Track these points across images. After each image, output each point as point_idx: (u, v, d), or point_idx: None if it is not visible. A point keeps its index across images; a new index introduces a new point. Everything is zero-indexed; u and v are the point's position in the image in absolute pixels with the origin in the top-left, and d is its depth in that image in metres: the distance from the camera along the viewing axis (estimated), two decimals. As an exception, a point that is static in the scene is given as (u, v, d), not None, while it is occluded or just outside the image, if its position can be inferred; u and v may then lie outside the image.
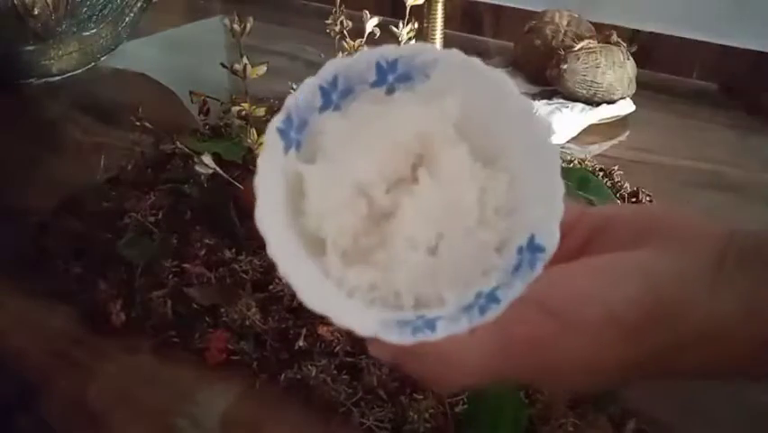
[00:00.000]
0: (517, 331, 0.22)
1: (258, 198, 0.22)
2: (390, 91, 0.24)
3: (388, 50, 0.24)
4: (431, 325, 0.21)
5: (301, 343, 0.44)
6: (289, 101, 0.23)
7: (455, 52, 0.24)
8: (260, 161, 0.22)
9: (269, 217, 0.22)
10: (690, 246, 0.23)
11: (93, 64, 0.95)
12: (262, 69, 0.50)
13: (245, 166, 0.61)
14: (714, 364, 0.22)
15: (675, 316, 0.22)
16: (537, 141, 0.23)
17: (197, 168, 0.52)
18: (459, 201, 0.23)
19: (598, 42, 0.80)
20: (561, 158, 0.22)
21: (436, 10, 0.77)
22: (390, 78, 0.24)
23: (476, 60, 0.24)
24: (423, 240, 0.23)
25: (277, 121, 0.23)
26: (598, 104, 0.78)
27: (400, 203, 0.23)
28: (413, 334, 0.20)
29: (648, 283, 0.22)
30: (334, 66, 0.23)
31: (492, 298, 0.21)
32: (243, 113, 0.51)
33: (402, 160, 0.24)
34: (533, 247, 0.21)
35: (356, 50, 0.63)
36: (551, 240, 0.21)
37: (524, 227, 0.22)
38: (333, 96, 0.24)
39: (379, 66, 0.24)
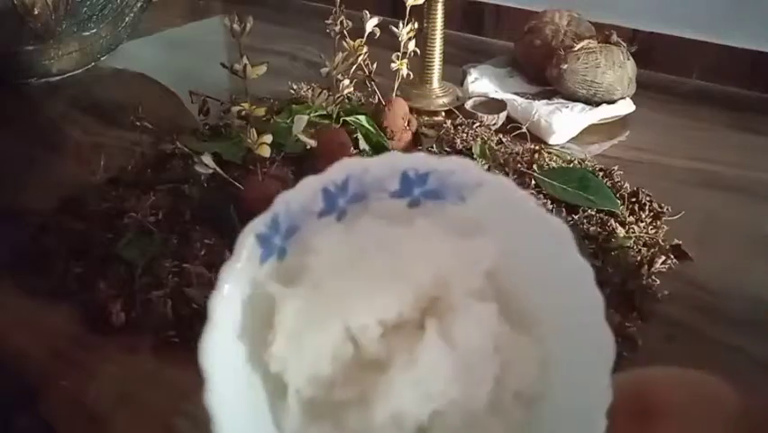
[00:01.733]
0: None
1: (211, 320, 0.17)
2: (413, 204, 0.19)
3: (419, 160, 0.18)
4: None
5: (301, 343, 0.44)
6: (279, 201, 0.18)
7: (504, 180, 0.18)
8: (224, 272, 0.17)
9: (222, 349, 0.17)
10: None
11: (93, 64, 0.95)
12: (262, 69, 0.50)
13: (245, 166, 0.61)
14: None
15: None
16: (590, 316, 0.17)
17: (197, 168, 0.52)
18: (470, 375, 0.17)
19: (598, 42, 0.80)
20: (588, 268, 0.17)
21: (436, 10, 0.77)
22: (417, 191, 0.19)
23: (528, 197, 0.18)
24: (413, 419, 0.17)
25: (259, 222, 0.18)
26: (598, 104, 0.78)
27: (394, 361, 0.17)
28: None
29: None
30: (346, 168, 0.18)
31: None
32: (243, 113, 0.51)
33: (410, 303, 0.18)
34: None
35: (356, 50, 0.63)
36: None
37: (548, 423, 0.17)
38: (340, 202, 0.19)
39: (405, 176, 0.18)
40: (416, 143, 0.71)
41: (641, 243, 0.56)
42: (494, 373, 0.17)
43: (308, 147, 0.56)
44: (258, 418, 0.18)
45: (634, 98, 0.80)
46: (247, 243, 0.18)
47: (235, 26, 0.48)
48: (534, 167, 0.66)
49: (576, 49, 0.79)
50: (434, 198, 0.19)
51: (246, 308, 0.18)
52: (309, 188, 0.18)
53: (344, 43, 0.63)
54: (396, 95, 0.70)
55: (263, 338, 0.18)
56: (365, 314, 0.18)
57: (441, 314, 0.18)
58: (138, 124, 0.59)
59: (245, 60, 0.49)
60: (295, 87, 0.81)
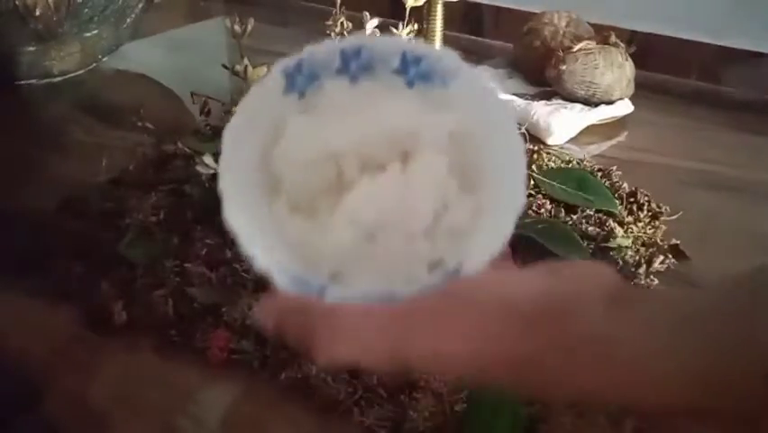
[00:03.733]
0: (412, 306, 0.21)
1: (236, 118, 0.22)
2: (410, 86, 0.24)
3: (416, 46, 0.24)
4: (331, 294, 0.21)
5: (302, 342, 0.44)
6: (306, 50, 0.23)
7: (479, 73, 0.24)
8: (253, 91, 0.23)
9: (239, 141, 0.22)
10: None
11: (94, 65, 0.95)
12: (263, 70, 0.51)
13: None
14: (597, 381, 0.22)
15: (569, 314, 0.22)
16: (514, 188, 0.22)
17: (199, 168, 0.53)
18: (415, 205, 0.23)
19: (597, 43, 0.80)
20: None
21: (436, 11, 0.78)
22: (412, 71, 0.24)
23: (493, 88, 0.24)
24: (364, 222, 0.23)
25: (285, 62, 0.23)
26: (596, 104, 0.79)
27: (361, 183, 0.23)
28: (315, 293, 0.21)
29: (550, 282, 0.23)
30: (361, 40, 0.23)
31: (399, 298, 0.21)
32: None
33: (386, 149, 0.24)
34: (455, 274, 0.21)
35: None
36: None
37: (461, 255, 0.22)
38: (353, 66, 0.24)
39: (404, 56, 0.23)
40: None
41: (639, 242, 0.56)
42: (434, 210, 0.23)
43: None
44: (257, 199, 0.23)
45: (632, 99, 0.81)
46: (275, 72, 0.23)
47: (236, 27, 0.49)
48: (534, 167, 0.66)
49: (575, 50, 0.79)
50: (424, 81, 0.24)
51: (265, 121, 0.23)
52: (331, 46, 0.23)
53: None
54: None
55: (273, 144, 0.23)
56: (349, 144, 0.23)
57: (406, 160, 0.24)
58: (139, 124, 0.59)
59: (246, 61, 0.50)
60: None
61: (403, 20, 0.67)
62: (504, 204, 0.22)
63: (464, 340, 0.22)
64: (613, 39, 0.81)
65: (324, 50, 0.23)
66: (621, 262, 0.53)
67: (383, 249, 0.23)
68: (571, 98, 0.79)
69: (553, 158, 0.69)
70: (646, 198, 0.62)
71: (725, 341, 0.21)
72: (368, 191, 0.23)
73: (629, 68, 0.80)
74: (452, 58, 0.23)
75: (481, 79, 0.24)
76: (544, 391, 0.25)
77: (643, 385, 0.22)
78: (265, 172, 0.24)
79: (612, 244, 0.55)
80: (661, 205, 0.61)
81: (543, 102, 0.79)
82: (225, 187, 0.22)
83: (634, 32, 0.93)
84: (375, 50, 0.23)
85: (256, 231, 0.22)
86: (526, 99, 0.80)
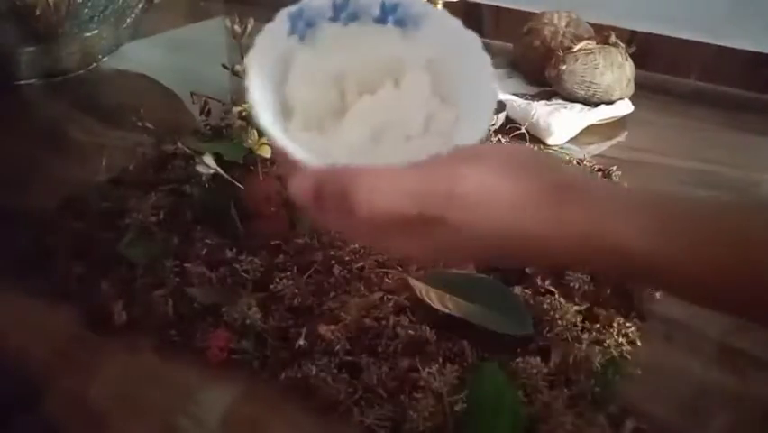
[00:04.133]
0: (431, 161, 0.26)
1: (253, 54, 0.27)
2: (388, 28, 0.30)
3: None
4: None
5: (301, 342, 0.44)
6: (305, 0, 0.28)
7: (444, 13, 0.29)
8: (263, 32, 0.27)
9: (258, 74, 0.27)
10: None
11: (94, 65, 0.95)
12: (263, 70, 0.51)
13: (246, 166, 0.62)
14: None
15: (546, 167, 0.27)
16: (486, 97, 0.28)
17: (199, 168, 0.53)
18: (408, 113, 0.28)
19: (597, 43, 0.80)
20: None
21: (436, 11, 0.78)
22: (390, 19, 0.30)
23: (458, 23, 0.29)
24: (370, 125, 0.28)
25: (290, 8, 0.28)
26: (596, 104, 0.79)
27: (363, 99, 0.28)
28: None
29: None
30: None
31: None
32: (244, 113, 0.51)
33: (378, 75, 0.29)
34: None
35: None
36: None
37: (447, 149, 0.27)
38: (342, 15, 0.29)
39: (383, 5, 0.29)
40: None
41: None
42: (424, 117, 0.28)
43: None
44: (277, 119, 0.27)
45: (632, 99, 0.80)
46: (280, 15, 0.28)
47: (236, 27, 0.49)
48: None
49: (575, 50, 0.79)
50: (400, 26, 0.30)
51: (275, 58, 0.28)
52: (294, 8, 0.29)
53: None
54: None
55: (283, 74, 0.28)
56: (348, 69, 0.28)
57: (395, 83, 0.29)
58: (139, 124, 0.59)
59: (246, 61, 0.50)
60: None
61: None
62: (479, 111, 0.28)
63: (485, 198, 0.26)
64: (613, 39, 0.81)
65: (319, 1, 0.29)
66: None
67: (387, 147, 0.27)
68: (571, 98, 0.79)
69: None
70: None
71: None
72: (371, 101, 0.28)
73: (629, 68, 0.80)
74: (421, 4, 0.30)
75: (447, 18, 0.29)
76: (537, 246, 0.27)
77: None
78: (279, 97, 0.28)
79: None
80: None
81: (542, 102, 0.79)
82: (255, 100, 0.26)
83: (634, 32, 0.93)
84: (360, 1, 0.29)
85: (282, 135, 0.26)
86: (526, 99, 0.80)
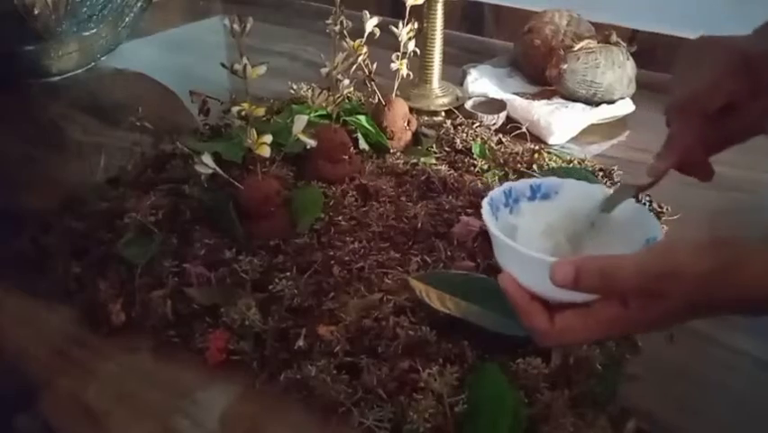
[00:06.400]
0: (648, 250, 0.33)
1: (488, 222, 0.38)
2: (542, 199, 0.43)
3: (537, 179, 0.43)
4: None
5: (301, 343, 0.44)
6: (507, 185, 0.42)
7: (574, 181, 0.44)
8: (487, 209, 0.40)
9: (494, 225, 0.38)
10: None
11: (93, 64, 0.95)
12: (262, 69, 0.50)
13: (245, 166, 0.62)
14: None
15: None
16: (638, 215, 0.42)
17: (197, 168, 0.52)
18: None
19: (598, 42, 0.80)
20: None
21: (436, 10, 0.77)
22: (537, 195, 0.43)
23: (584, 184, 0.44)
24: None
25: (501, 188, 0.42)
26: (597, 104, 0.78)
27: (583, 244, 0.40)
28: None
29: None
30: (508, 185, 0.42)
31: None
32: (243, 113, 0.51)
33: (577, 227, 0.41)
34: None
35: (356, 50, 0.63)
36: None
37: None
38: (537, 195, 0.43)
39: (531, 187, 0.43)
40: (415, 143, 0.71)
41: (640, 242, 0.56)
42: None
43: (308, 147, 0.56)
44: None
45: (633, 98, 0.80)
46: (496, 194, 0.42)
47: (235, 26, 0.48)
48: (534, 167, 0.66)
49: (576, 49, 0.79)
50: (544, 199, 0.43)
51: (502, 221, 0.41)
52: (522, 183, 0.43)
53: (344, 43, 0.63)
54: (396, 95, 0.70)
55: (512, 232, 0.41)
56: (554, 223, 0.41)
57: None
58: (138, 124, 0.59)
59: (245, 61, 0.49)
60: (295, 87, 0.81)
61: (403, 18, 0.67)
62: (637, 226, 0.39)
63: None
64: (614, 38, 0.81)
65: (519, 185, 0.43)
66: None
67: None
68: (572, 98, 0.79)
69: (554, 157, 0.69)
70: (648, 198, 0.62)
71: None
72: (594, 245, 0.40)
73: (630, 67, 0.80)
74: (556, 181, 0.43)
75: (578, 183, 0.43)
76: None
77: None
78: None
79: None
80: (662, 204, 0.61)
81: (543, 101, 0.79)
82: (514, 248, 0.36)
83: (635, 31, 0.93)
84: (516, 187, 0.43)
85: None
86: (527, 98, 0.80)
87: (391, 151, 0.69)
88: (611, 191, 0.42)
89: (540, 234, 0.41)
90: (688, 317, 0.32)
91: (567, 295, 0.33)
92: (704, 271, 0.30)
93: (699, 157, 0.43)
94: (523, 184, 0.43)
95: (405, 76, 0.70)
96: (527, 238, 0.40)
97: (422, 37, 0.77)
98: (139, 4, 0.95)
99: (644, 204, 0.61)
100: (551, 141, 0.74)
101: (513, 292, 0.35)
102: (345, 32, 0.61)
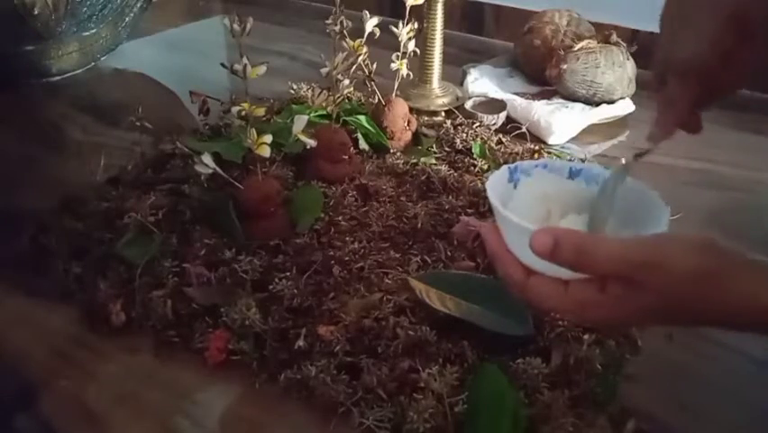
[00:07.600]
0: (640, 238, 0.32)
1: (490, 188, 0.37)
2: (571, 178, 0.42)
3: (575, 164, 0.42)
4: None
5: (301, 343, 0.44)
6: (518, 163, 0.41)
7: (599, 169, 0.42)
8: (493, 176, 0.39)
9: (494, 193, 0.36)
10: None
11: (93, 64, 0.95)
12: (262, 69, 0.50)
13: (245, 166, 0.62)
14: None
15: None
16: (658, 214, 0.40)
17: (197, 168, 0.52)
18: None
19: (598, 42, 0.80)
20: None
21: (436, 10, 0.77)
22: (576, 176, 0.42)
23: (605, 171, 0.42)
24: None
25: (508, 166, 0.41)
26: (597, 104, 0.78)
27: (569, 216, 0.39)
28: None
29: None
30: (567, 164, 0.42)
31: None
32: (243, 113, 0.51)
33: (575, 203, 0.40)
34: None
35: (356, 50, 0.63)
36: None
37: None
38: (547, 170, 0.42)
39: (570, 169, 0.42)
40: (415, 143, 0.71)
41: (641, 242, 0.56)
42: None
43: (308, 147, 0.56)
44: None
45: (633, 98, 0.80)
46: (504, 168, 0.41)
47: (235, 26, 0.48)
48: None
49: (576, 49, 0.79)
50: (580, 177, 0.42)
51: (500, 189, 0.39)
52: (534, 162, 0.42)
53: (344, 43, 0.63)
54: (396, 95, 0.70)
55: (506, 201, 0.39)
56: (555, 195, 0.40)
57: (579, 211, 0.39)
58: (138, 124, 0.59)
59: (245, 60, 0.49)
60: (295, 87, 0.81)
61: (403, 18, 0.67)
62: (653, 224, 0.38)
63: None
64: (614, 38, 0.80)
65: (528, 163, 0.41)
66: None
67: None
68: (572, 98, 0.79)
69: (554, 157, 0.69)
70: (648, 198, 0.61)
71: None
72: (573, 221, 0.38)
73: (630, 67, 0.80)
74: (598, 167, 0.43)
75: (600, 171, 0.42)
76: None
77: None
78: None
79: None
80: (662, 204, 0.61)
81: (544, 101, 0.79)
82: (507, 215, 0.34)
83: (635, 31, 0.93)
84: (554, 164, 0.42)
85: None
86: (527, 98, 0.80)
87: (391, 151, 0.69)
88: (609, 174, 0.41)
89: (535, 199, 0.40)
90: (663, 318, 0.32)
91: (552, 270, 0.32)
92: (689, 270, 0.29)
93: (692, 114, 0.43)
94: (563, 163, 0.42)
95: (405, 76, 0.70)
96: (522, 202, 0.39)
97: (422, 37, 0.77)
98: (139, 4, 0.95)
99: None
100: (551, 141, 0.74)
101: (491, 240, 0.35)
102: (345, 32, 0.61)
